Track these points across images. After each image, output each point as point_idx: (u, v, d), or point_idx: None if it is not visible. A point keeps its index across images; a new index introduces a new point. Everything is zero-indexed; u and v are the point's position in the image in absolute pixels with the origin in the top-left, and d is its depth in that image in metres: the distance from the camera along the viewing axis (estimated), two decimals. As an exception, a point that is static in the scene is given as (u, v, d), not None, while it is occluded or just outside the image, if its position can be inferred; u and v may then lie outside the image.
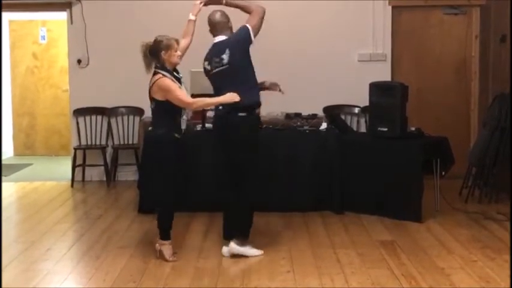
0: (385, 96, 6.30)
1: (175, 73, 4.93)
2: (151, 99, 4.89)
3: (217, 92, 4.94)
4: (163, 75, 4.82)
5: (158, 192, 5.02)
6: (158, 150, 4.90)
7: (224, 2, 5.10)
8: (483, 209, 6.43)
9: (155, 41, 4.89)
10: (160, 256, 4.92)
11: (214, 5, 5.14)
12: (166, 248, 4.92)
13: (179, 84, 4.87)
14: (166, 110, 4.83)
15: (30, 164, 9.62)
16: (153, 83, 4.83)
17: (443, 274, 4.55)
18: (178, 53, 4.91)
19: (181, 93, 4.80)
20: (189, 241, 5.44)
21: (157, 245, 4.97)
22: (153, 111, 4.94)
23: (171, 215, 4.97)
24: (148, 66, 4.92)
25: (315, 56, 8.11)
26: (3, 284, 4.36)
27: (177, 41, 4.91)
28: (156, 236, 5.02)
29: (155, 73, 4.86)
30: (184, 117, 4.96)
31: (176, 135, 4.86)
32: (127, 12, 8.12)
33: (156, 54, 4.87)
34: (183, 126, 4.94)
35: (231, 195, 5.04)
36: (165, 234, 4.94)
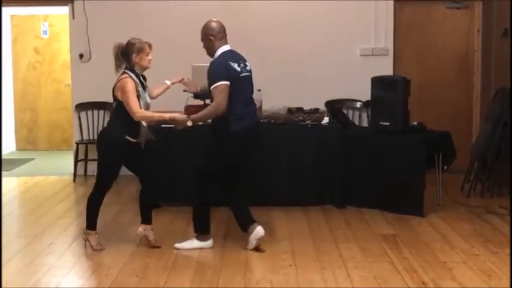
0: (387, 91, 6.30)
1: (141, 78, 4.96)
2: (114, 98, 4.90)
3: (242, 95, 4.86)
4: (129, 76, 4.84)
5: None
6: (106, 151, 4.96)
7: (199, 89, 5.44)
8: (485, 203, 6.43)
9: (128, 42, 4.92)
10: (146, 241, 5.09)
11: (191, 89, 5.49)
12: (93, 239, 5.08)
13: (142, 90, 4.89)
14: (125, 111, 4.82)
15: (33, 159, 9.64)
16: (118, 81, 4.86)
17: (445, 268, 4.56)
18: (150, 57, 4.92)
19: (134, 101, 4.77)
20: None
21: (141, 229, 5.10)
22: (113, 111, 4.98)
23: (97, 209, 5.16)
24: (118, 67, 4.95)
25: (317, 50, 8.10)
26: (6, 278, 4.38)
27: (150, 46, 4.93)
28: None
29: (123, 73, 4.89)
30: (144, 123, 4.97)
31: (129, 138, 4.88)
32: (128, 7, 8.11)
33: (127, 56, 4.89)
34: (142, 132, 4.96)
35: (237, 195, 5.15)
36: (91, 225, 5.10)
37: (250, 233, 4.97)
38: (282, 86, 7.89)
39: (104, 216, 6.13)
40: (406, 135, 6.20)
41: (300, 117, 6.60)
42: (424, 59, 8.19)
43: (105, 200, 6.81)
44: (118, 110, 4.89)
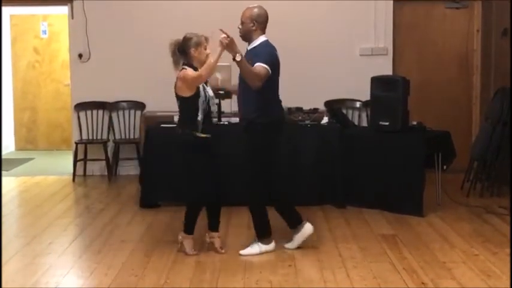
0: (387, 90, 6.30)
1: None
2: (176, 96, 4.86)
3: (278, 84, 4.98)
4: (186, 69, 4.80)
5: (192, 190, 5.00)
6: (185, 152, 4.91)
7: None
8: (485, 203, 6.42)
9: (184, 38, 4.84)
10: (181, 248, 4.93)
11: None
12: (188, 242, 4.93)
13: (205, 86, 4.84)
14: (188, 108, 4.80)
15: (32, 159, 9.63)
16: (177, 78, 4.80)
17: (444, 268, 4.55)
18: (208, 51, 4.83)
19: (193, 72, 4.74)
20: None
21: (180, 237, 4.97)
22: (179, 110, 4.92)
23: (198, 211, 4.96)
24: (176, 63, 4.87)
25: (317, 50, 8.10)
26: (6, 278, 4.37)
27: (207, 39, 4.84)
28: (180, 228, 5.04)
29: (181, 69, 4.83)
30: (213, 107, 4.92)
31: (198, 134, 4.80)
32: (128, 6, 8.09)
33: (184, 51, 4.82)
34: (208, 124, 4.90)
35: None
36: (187, 228, 4.94)
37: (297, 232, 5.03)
38: (281, 85, 7.81)
39: (103, 216, 6.16)
40: (406, 135, 6.20)
41: (300, 117, 6.60)
42: (424, 59, 8.19)
43: (105, 200, 6.88)
44: (181, 107, 4.85)
